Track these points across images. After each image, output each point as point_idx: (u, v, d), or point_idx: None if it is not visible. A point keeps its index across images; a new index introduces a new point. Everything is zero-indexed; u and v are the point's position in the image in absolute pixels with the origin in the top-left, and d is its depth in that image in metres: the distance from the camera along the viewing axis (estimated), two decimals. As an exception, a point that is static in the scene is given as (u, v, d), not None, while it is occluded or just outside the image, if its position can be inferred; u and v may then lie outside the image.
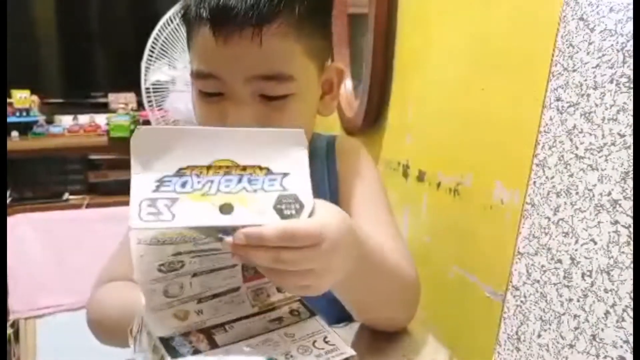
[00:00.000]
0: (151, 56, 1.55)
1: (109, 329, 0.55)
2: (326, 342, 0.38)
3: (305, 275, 0.37)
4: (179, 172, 0.35)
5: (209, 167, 0.35)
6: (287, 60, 0.51)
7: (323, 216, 0.37)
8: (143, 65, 1.57)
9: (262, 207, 0.35)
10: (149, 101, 1.62)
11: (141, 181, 0.34)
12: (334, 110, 0.63)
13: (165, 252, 0.36)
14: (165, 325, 0.36)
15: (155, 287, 0.37)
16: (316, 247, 0.35)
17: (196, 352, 0.35)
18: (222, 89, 0.51)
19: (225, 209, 0.35)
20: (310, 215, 0.36)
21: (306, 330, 0.39)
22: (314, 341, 0.38)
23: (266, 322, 0.39)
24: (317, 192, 0.60)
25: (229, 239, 0.34)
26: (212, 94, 0.52)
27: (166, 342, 0.35)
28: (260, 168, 0.36)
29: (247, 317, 0.39)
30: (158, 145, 0.34)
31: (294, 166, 0.38)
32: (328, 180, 0.63)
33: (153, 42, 1.54)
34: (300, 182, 0.37)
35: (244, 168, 0.36)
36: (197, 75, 0.52)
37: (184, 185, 0.34)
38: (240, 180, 0.35)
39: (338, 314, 0.59)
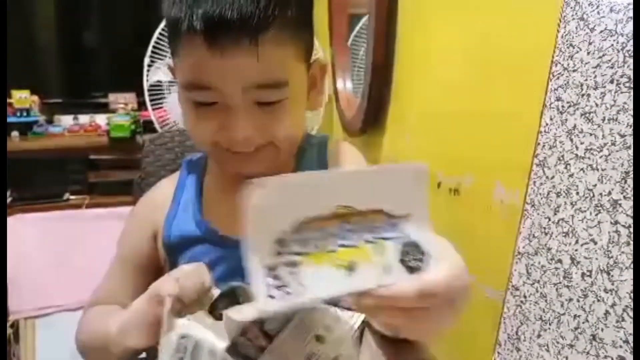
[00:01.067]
0: (154, 55, 1.55)
1: (90, 354, 0.59)
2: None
3: (434, 325, 0.36)
4: (298, 228, 0.31)
5: (328, 218, 0.32)
6: (282, 66, 0.51)
7: (450, 266, 0.35)
8: (145, 64, 1.57)
9: (387, 261, 0.33)
10: (151, 101, 1.62)
11: (259, 244, 0.30)
12: (321, 104, 0.63)
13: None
14: None
15: None
16: (451, 301, 0.34)
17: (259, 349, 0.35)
18: (217, 99, 0.51)
19: (350, 267, 0.32)
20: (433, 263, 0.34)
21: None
22: None
23: None
24: None
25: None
26: (204, 104, 0.51)
27: (233, 349, 0.36)
28: (380, 212, 0.33)
29: None
30: (275, 199, 0.31)
31: (414, 206, 0.34)
32: None
33: (156, 42, 1.54)
34: (420, 225, 0.34)
35: (364, 214, 0.33)
36: (189, 87, 0.51)
37: (304, 244, 0.31)
38: (361, 230, 0.33)
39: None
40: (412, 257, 0.33)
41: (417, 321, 0.34)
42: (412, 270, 0.33)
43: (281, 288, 0.30)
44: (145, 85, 1.58)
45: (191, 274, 0.46)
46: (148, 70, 1.58)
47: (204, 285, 0.46)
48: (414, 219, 0.34)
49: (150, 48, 1.55)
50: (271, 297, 0.30)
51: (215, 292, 0.46)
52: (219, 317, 0.44)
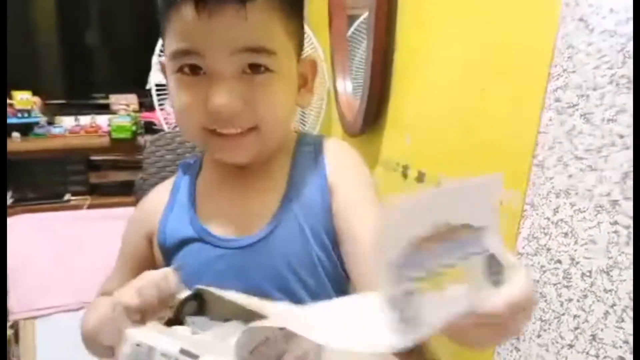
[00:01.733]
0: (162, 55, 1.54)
1: (87, 343, 0.59)
2: None
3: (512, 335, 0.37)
4: (410, 251, 0.31)
5: (431, 237, 0.31)
6: (270, 34, 0.52)
7: (525, 275, 0.35)
8: (153, 63, 1.55)
9: (476, 281, 0.33)
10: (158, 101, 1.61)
11: (386, 273, 0.30)
12: (309, 103, 0.64)
13: None
14: None
15: None
16: (531, 309, 0.36)
17: None
18: (203, 67, 0.51)
19: (452, 289, 0.32)
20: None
21: None
22: None
23: None
24: (308, 193, 0.59)
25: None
26: (192, 75, 0.52)
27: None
28: (467, 226, 0.33)
29: None
30: (395, 225, 0.31)
31: (489, 217, 0.34)
32: (319, 182, 0.60)
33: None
34: (495, 235, 0.34)
35: (455, 229, 0.33)
36: (176, 55, 0.52)
37: (414, 267, 0.31)
38: (454, 247, 0.33)
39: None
40: (495, 270, 0.34)
41: (502, 333, 0.34)
42: (497, 285, 0.33)
43: (410, 323, 0.30)
44: (153, 85, 1.57)
45: (154, 282, 0.46)
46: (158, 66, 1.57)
47: (168, 292, 0.46)
48: (489, 229, 0.34)
49: (157, 49, 1.54)
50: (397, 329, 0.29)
51: (183, 294, 0.46)
52: (183, 320, 0.45)
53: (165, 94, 1.61)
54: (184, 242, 0.58)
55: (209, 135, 0.54)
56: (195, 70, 0.52)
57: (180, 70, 0.52)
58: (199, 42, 0.50)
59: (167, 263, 0.59)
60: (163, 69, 0.59)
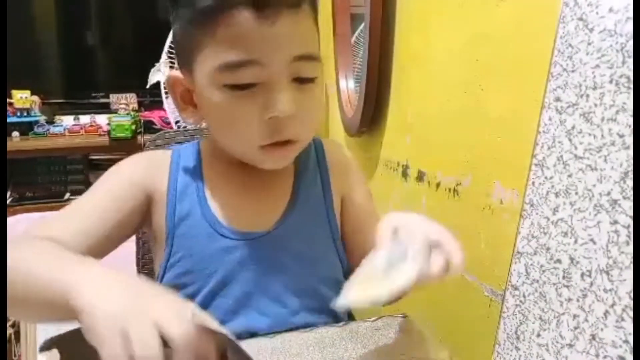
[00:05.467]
0: (171, 54, 1.54)
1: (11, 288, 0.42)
2: None
3: None
4: None
5: None
6: (315, 41, 0.53)
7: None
8: (162, 60, 1.55)
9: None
10: (151, 101, 1.62)
11: None
12: None
13: None
14: None
15: None
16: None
17: None
18: (259, 77, 0.49)
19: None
20: None
21: None
22: None
23: None
24: (312, 192, 0.63)
25: None
26: (244, 87, 0.49)
27: None
28: None
29: None
30: None
31: None
32: (323, 180, 0.65)
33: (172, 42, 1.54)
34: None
35: None
36: (228, 67, 0.48)
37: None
38: None
39: (328, 312, 0.60)
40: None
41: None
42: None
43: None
44: (161, 80, 1.57)
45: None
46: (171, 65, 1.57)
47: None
48: None
49: (166, 48, 1.54)
50: None
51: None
52: None
53: (161, 95, 1.61)
54: (196, 230, 0.57)
55: (262, 150, 0.53)
56: (246, 83, 0.49)
57: (233, 84, 0.49)
58: (259, 51, 0.48)
59: (171, 242, 0.58)
60: (174, 84, 0.56)
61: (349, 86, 1.35)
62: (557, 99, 0.56)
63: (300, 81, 0.51)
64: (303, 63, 0.50)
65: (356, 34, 1.36)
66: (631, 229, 0.46)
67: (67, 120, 2.13)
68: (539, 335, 0.59)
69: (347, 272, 0.63)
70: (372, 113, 1.12)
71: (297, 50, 0.49)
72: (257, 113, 0.50)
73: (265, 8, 0.46)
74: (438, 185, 0.87)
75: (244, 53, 0.48)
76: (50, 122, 2.09)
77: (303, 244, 0.60)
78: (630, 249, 0.46)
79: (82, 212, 0.55)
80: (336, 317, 0.62)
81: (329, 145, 0.68)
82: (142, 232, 0.81)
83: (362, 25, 1.12)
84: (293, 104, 0.50)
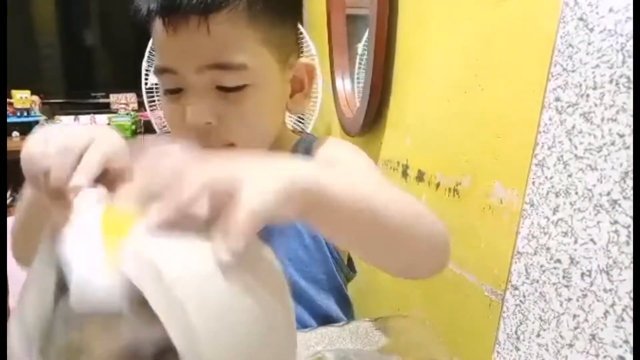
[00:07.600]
0: (152, 56, 1.55)
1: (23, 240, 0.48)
2: None
3: None
4: None
5: None
6: (237, 48, 0.49)
7: None
8: (144, 66, 1.57)
9: None
10: (149, 103, 1.62)
11: None
12: (305, 107, 0.62)
13: None
14: None
15: None
16: None
17: None
18: (179, 84, 0.50)
19: None
20: None
21: None
22: None
23: None
24: None
25: None
26: (173, 91, 0.51)
27: None
28: None
29: None
30: None
31: None
32: None
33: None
34: None
35: None
36: (157, 71, 0.52)
37: None
38: None
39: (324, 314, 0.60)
40: None
41: None
42: None
43: None
44: (144, 87, 1.59)
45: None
46: (147, 73, 1.58)
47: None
48: None
49: (148, 50, 1.55)
50: None
51: None
52: None
53: (158, 96, 1.62)
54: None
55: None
56: (172, 89, 0.51)
57: (164, 88, 0.52)
58: (169, 59, 0.50)
59: None
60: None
61: (346, 87, 1.35)
62: (557, 99, 0.56)
63: (226, 89, 0.50)
64: (220, 72, 0.49)
65: (365, 37, 1.36)
66: (631, 229, 0.46)
67: (67, 120, 2.13)
68: (539, 335, 0.59)
69: (340, 268, 0.62)
70: (372, 113, 1.12)
71: (208, 60, 0.48)
72: (181, 118, 0.51)
73: (171, 16, 0.47)
74: (438, 185, 0.87)
75: (160, 60, 0.51)
76: (50, 122, 2.09)
77: (294, 244, 0.60)
78: (630, 249, 0.46)
79: None
80: (329, 318, 0.61)
81: (322, 143, 0.64)
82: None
83: (368, 31, 1.10)
84: (205, 114, 0.49)
